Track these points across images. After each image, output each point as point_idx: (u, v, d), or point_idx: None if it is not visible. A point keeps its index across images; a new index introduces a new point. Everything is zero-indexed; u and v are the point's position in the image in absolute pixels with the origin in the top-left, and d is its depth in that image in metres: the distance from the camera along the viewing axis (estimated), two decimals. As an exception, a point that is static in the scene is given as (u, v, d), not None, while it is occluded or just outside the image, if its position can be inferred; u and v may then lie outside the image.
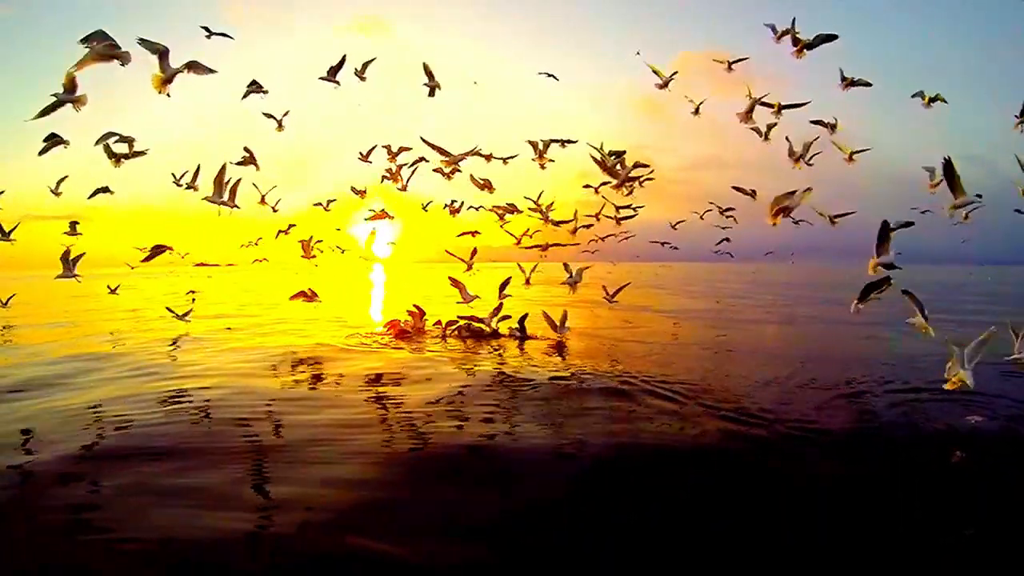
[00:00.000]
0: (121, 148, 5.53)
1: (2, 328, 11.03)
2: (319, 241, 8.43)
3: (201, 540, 2.59)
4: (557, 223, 7.63)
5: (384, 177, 7.68)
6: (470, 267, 7.91)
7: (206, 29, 5.99)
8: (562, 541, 2.63)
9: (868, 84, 5.74)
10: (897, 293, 4.25)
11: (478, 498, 3.09)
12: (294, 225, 8.57)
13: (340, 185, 8.41)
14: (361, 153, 7.72)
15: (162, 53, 4.42)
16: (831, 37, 5.17)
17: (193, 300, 15.43)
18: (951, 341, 3.89)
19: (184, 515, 2.82)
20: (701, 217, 8.96)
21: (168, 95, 4.61)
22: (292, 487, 3.15)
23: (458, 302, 8.02)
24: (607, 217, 7.69)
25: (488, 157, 7.09)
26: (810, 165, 5.93)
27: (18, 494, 3.17)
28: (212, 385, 5.55)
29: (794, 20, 5.29)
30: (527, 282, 8.60)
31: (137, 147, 5.57)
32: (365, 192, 8.08)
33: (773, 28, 5.47)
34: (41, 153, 4.98)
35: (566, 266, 7.67)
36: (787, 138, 6.00)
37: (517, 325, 8.27)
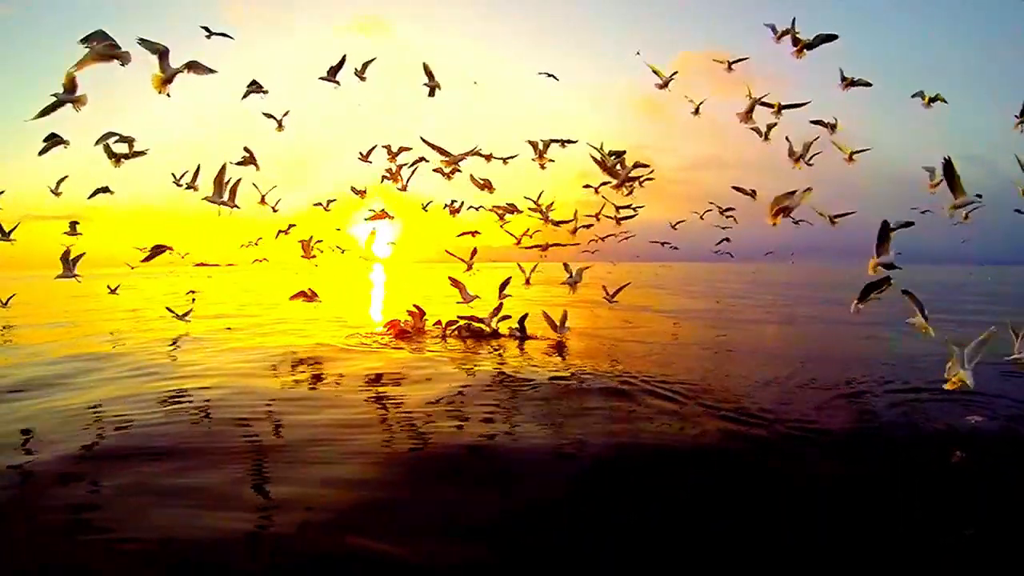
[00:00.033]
0: (121, 148, 5.54)
1: (2, 328, 11.03)
2: (319, 241, 8.43)
3: (201, 540, 2.59)
4: (557, 223, 7.63)
5: (384, 177, 7.68)
6: (470, 267, 7.92)
7: (206, 29, 5.99)
8: (562, 541, 2.63)
9: (868, 84, 5.74)
10: (897, 293, 4.25)
11: (478, 498, 3.09)
12: (294, 225, 8.58)
13: (340, 185, 8.42)
14: (361, 153, 7.72)
15: (162, 53, 4.42)
16: (831, 37, 5.17)
17: (193, 300, 15.43)
18: (951, 341, 3.89)
19: (184, 515, 2.82)
20: (701, 217, 8.97)
21: (168, 95, 4.61)
22: (292, 487, 3.15)
23: (458, 302, 8.02)
24: (607, 217, 7.69)
25: (488, 157, 7.09)
26: (810, 165, 5.93)
27: (18, 494, 3.17)
28: (212, 385, 5.55)
29: (794, 20, 5.29)
30: (527, 282, 8.60)
31: (137, 147, 5.58)
32: (365, 192, 8.08)
33: (773, 28, 5.47)
34: (41, 153, 4.99)
35: (566, 266, 7.67)
36: (787, 138, 6.00)
37: (517, 325, 8.27)
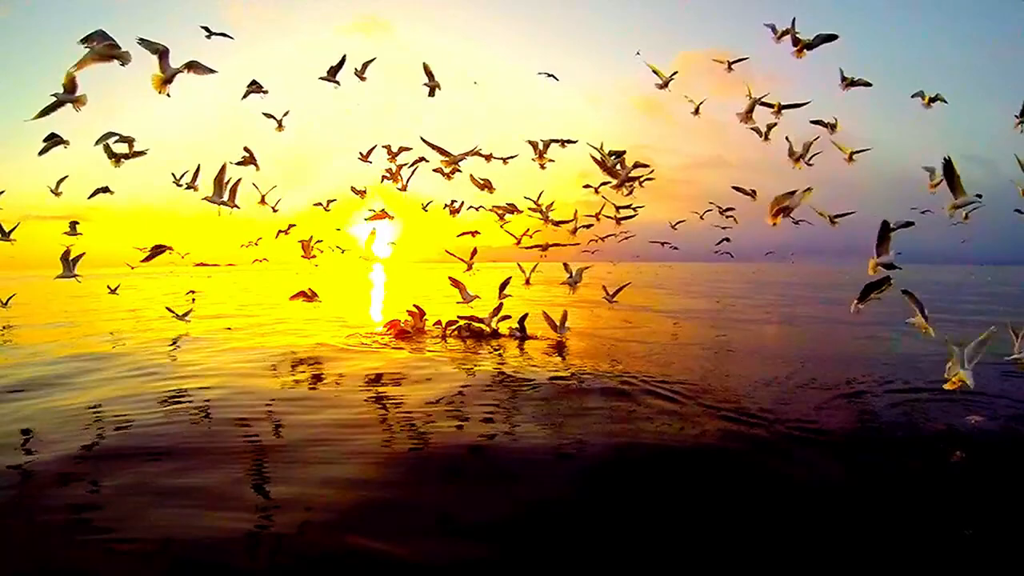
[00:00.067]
0: (121, 148, 5.54)
1: (2, 328, 11.03)
2: (319, 241, 8.44)
3: (201, 540, 2.59)
4: (557, 223, 7.63)
5: (384, 177, 7.69)
6: (470, 267, 7.92)
7: (206, 29, 6.00)
8: (562, 541, 2.63)
9: (868, 84, 5.74)
10: (897, 293, 4.25)
11: (478, 498, 3.09)
12: (294, 225, 8.58)
13: (340, 185, 8.43)
14: (361, 153, 7.73)
15: (162, 53, 4.42)
16: (831, 37, 5.17)
17: (193, 300, 15.44)
18: (950, 341, 3.89)
19: (184, 515, 2.82)
20: (701, 217, 8.96)
21: (168, 95, 4.61)
22: (292, 487, 3.15)
23: (458, 302, 8.02)
24: (607, 217, 7.69)
25: (488, 157, 7.09)
26: (810, 165, 5.94)
27: (18, 494, 3.17)
28: (212, 385, 5.55)
29: (794, 20, 5.29)
30: (527, 282, 8.60)
31: (137, 147, 5.58)
32: (365, 192, 8.09)
33: (773, 28, 5.47)
34: (41, 153, 4.99)
35: (566, 266, 7.67)
36: (787, 138, 6.01)
37: (517, 325, 8.27)
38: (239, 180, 5.42)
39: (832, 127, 6.00)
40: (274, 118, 7.07)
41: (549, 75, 7.73)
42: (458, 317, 8.51)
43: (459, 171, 7.05)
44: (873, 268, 3.96)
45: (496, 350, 7.47)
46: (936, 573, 2.40)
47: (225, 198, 5.31)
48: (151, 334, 9.69)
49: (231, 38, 6.15)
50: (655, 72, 6.28)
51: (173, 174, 6.37)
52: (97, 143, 5.44)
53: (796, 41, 5.26)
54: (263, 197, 7.19)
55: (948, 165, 3.87)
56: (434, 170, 7.15)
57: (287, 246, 8.54)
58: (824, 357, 7.03)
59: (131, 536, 2.63)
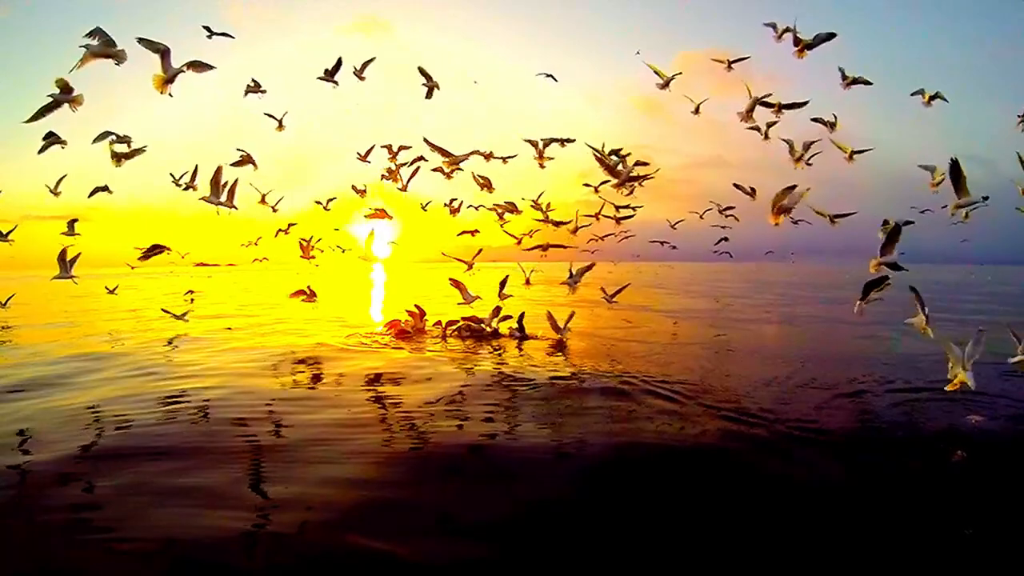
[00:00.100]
0: (121, 148, 5.54)
1: (2, 328, 11.03)
2: (318, 241, 8.43)
3: (201, 540, 2.59)
4: (557, 223, 7.63)
5: (383, 176, 7.68)
6: (470, 267, 7.91)
7: (207, 29, 5.99)
8: (562, 540, 2.63)
9: (868, 83, 5.74)
10: (898, 293, 4.25)
11: (478, 497, 3.09)
12: (294, 224, 8.58)
13: (340, 185, 8.42)
14: (359, 153, 7.72)
15: (163, 53, 4.42)
16: (831, 36, 5.17)
17: (192, 300, 15.44)
18: (949, 340, 3.89)
19: (184, 515, 2.82)
20: (701, 217, 8.95)
21: (170, 95, 4.61)
22: (292, 486, 3.15)
23: (459, 303, 8.02)
24: (607, 217, 7.69)
25: (488, 156, 7.09)
26: (809, 165, 5.93)
27: (18, 494, 3.17)
28: (212, 385, 5.55)
29: (796, 19, 5.29)
30: (527, 282, 8.59)
31: (135, 145, 5.57)
32: (365, 191, 8.08)
33: (774, 27, 5.47)
34: (40, 152, 4.99)
35: (571, 267, 7.66)
36: (787, 140, 6.01)
37: (517, 325, 8.27)
38: (236, 180, 5.42)
39: (832, 125, 6.00)
40: (274, 118, 7.07)
41: (548, 75, 7.73)
42: (461, 319, 8.52)
43: (460, 170, 7.05)
44: (876, 267, 3.97)
45: (496, 350, 7.47)
46: (936, 573, 2.40)
47: (223, 199, 5.31)
48: (151, 334, 9.68)
49: (232, 37, 6.15)
50: (655, 72, 6.27)
51: (172, 174, 6.38)
52: (94, 142, 5.44)
53: (797, 41, 5.26)
54: (263, 197, 7.19)
55: (955, 166, 3.88)
56: (434, 169, 7.16)
57: (287, 246, 8.55)
58: (824, 357, 7.03)
59: (131, 536, 2.63)
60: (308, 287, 8.27)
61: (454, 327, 8.55)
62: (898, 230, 3.87)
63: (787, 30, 5.33)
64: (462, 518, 2.84)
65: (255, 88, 6.61)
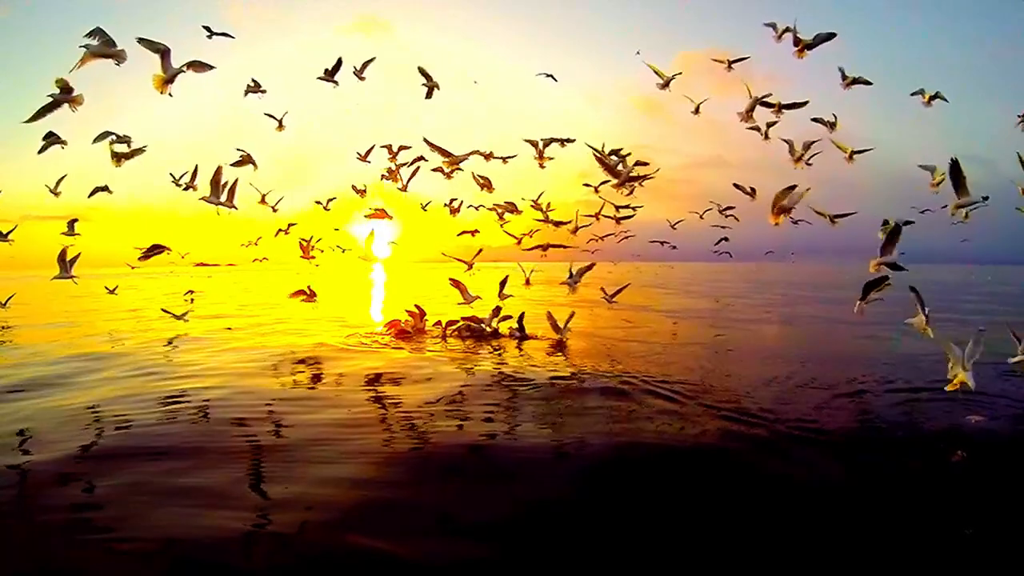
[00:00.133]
0: (121, 148, 5.54)
1: (2, 328, 11.03)
2: (318, 241, 8.43)
3: (201, 540, 2.59)
4: (557, 224, 7.63)
5: (383, 176, 7.68)
6: (470, 267, 7.91)
7: (207, 29, 5.99)
8: (562, 540, 2.63)
9: (868, 83, 5.74)
10: (898, 293, 4.25)
11: (478, 497, 3.09)
12: (294, 224, 8.58)
13: (340, 184, 8.43)
14: (358, 153, 7.72)
15: (163, 53, 4.42)
16: (831, 36, 5.17)
17: (191, 301, 15.44)
18: (949, 341, 3.89)
19: (184, 515, 2.82)
20: (701, 217, 8.96)
21: (171, 95, 4.61)
22: (292, 486, 3.15)
23: (459, 303, 8.02)
24: (607, 217, 7.69)
25: (488, 156, 7.09)
26: (809, 165, 5.94)
27: (18, 494, 3.17)
28: (212, 385, 5.55)
29: (796, 19, 5.29)
30: (527, 282, 8.59)
31: (134, 145, 5.57)
32: (365, 191, 8.09)
33: (774, 26, 5.47)
34: (40, 151, 4.99)
35: (571, 267, 7.66)
36: (786, 140, 6.01)
37: (517, 325, 8.27)
38: (236, 180, 5.42)
39: (832, 125, 6.00)
40: (275, 118, 7.07)
41: (548, 75, 7.74)
42: (461, 319, 8.52)
43: (460, 170, 7.05)
44: (875, 267, 3.97)
45: (496, 350, 7.47)
46: (936, 573, 2.40)
47: (222, 199, 5.31)
48: (151, 334, 9.68)
49: (232, 37, 6.15)
50: (655, 72, 6.27)
51: (172, 174, 6.38)
52: (94, 142, 5.44)
53: (797, 41, 5.26)
54: (263, 197, 7.20)
55: (955, 166, 3.88)
56: (434, 169, 7.16)
57: (287, 246, 8.55)
58: (824, 357, 7.03)
59: (131, 536, 2.63)
60: (308, 287, 8.27)
61: (454, 327, 8.55)
62: (898, 230, 3.88)
63: (787, 30, 5.34)
64: (462, 518, 2.84)
65: (255, 88, 6.62)
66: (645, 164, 5.99)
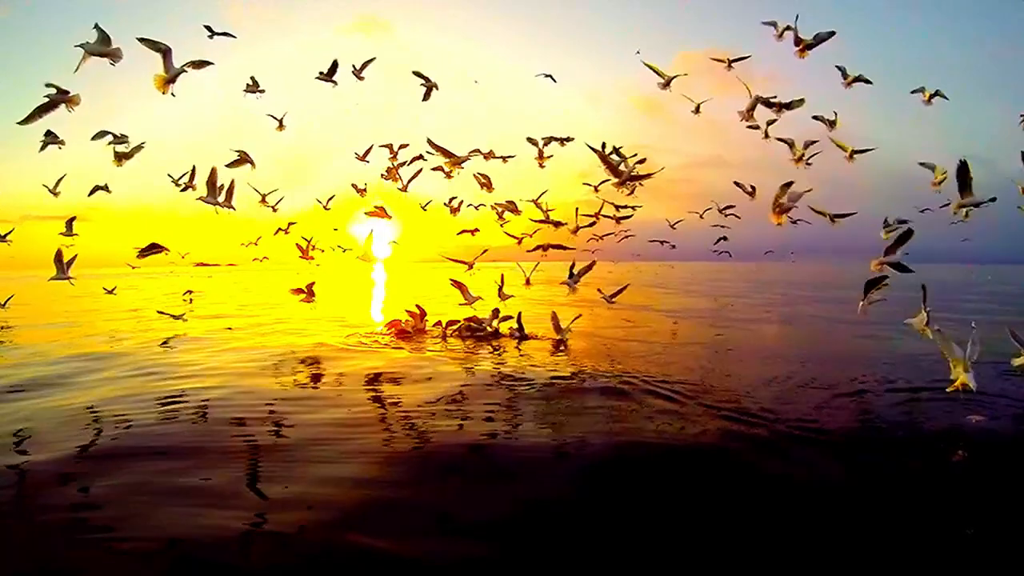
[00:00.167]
0: (122, 148, 5.54)
1: (2, 328, 11.03)
2: (317, 241, 8.44)
3: (202, 539, 2.59)
4: (557, 224, 7.63)
5: (383, 176, 7.69)
6: (470, 267, 7.91)
7: (208, 29, 5.99)
8: (562, 539, 2.63)
9: (868, 82, 5.74)
10: (899, 293, 4.25)
11: (478, 496, 3.09)
12: (294, 223, 8.58)
13: (341, 184, 8.43)
14: (357, 154, 7.73)
15: (165, 52, 4.42)
16: (831, 35, 5.17)
17: (190, 301, 15.45)
18: (950, 340, 3.88)
19: (184, 515, 2.81)
20: (701, 216, 8.96)
21: (173, 95, 4.61)
22: (292, 486, 3.15)
23: (460, 303, 8.02)
24: (606, 217, 7.69)
25: (488, 155, 7.09)
26: (809, 164, 5.94)
27: (18, 494, 3.17)
28: (212, 385, 5.55)
29: (797, 17, 5.28)
30: (527, 282, 8.60)
31: (134, 143, 5.58)
32: (365, 190, 8.09)
33: (774, 25, 5.46)
34: (41, 149, 5.00)
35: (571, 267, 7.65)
36: (787, 140, 6.00)
37: (517, 325, 8.28)
38: (233, 181, 5.43)
39: (832, 124, 6.00)
40: (275, 118, 7.08)
41: (548, 76, 7.73)
42: (462, 319, 8.52)
43: (461, 169, 7.06)
44: (877, 267, 3.97)
45: (496, 350, 7.47)
46: (936, 573, 2.40)
47: (221, 199, 5.31)
48: (151, 334, 9.68)
49: (234, 37, 6.14)
50: (655, 71, 6.26)
51: (170, 175, 6.38)
52: (93, 139, 5.45)
53: (798, 40, 5.26)
54: (263, 197, 7.20)
55: (963, 167, 3.87)
56: (434, 169, 7.17)
57: (287, 246, 8.56)
58: (824, 356, 7.03)
59: (131, 536, 2.63)
60: (308, 286, 8.28)
61: (454, 327, 8.56)
62: (909, 234, 3.87)
63: (787, 29, 5.33)
64: (462, 518, 2.84)
65: (254, 87, 6.62)
66: (642, 162, 6.00)
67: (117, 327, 10.83)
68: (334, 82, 6.59)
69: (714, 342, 8.36)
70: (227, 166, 6.00)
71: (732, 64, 6.09)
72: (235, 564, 2.43)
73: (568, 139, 6.88)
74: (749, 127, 6.13)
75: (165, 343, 8.57)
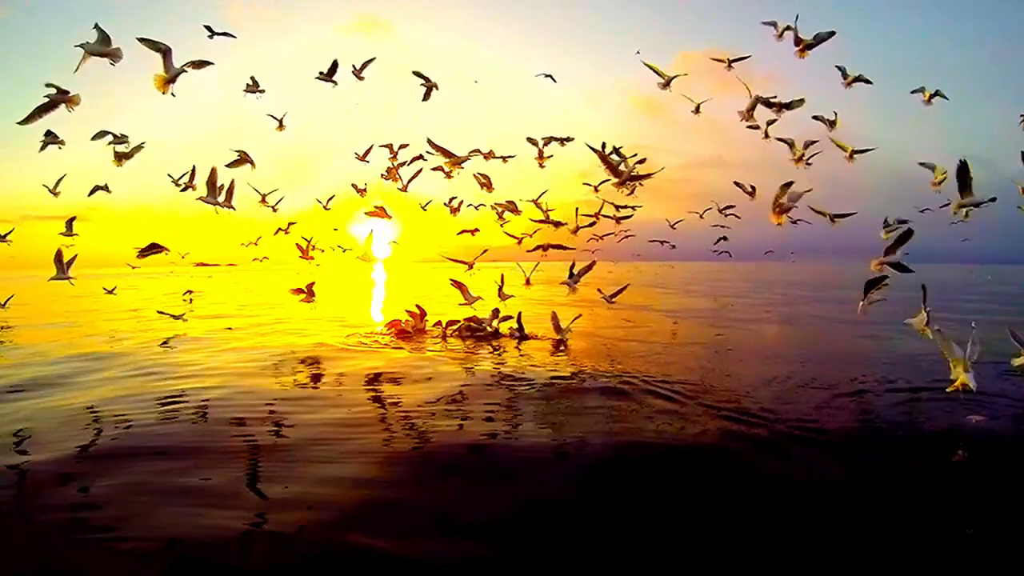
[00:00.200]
0: (122, 148, 5.54)
1: (2, 328, 11.03)
2: (317, 241, 8.43)
3: (202, 539, 2.59)
4: (557, 224, 7.63)
5: (383, 176, 7.69)
6: (470, 267, 7.92)
7: (208, 29, 5.99)
8: (562, 539, 2.63)
9: (868, 82, 5.74)
10: (899, 293, 4.25)
11: (478, 496, 3.09)
12: (294, 223, 8.58)
13: (341, 184, 8.43)
14: (357, 154, 7.73)
15: (165, 53, 4.42)
16: (831, 35, 5.18)
17: (190, 301, 15.45)
18: (950, 339, 3.88)
19: (184, 515, 2.81)
20: (701, 216, 8.96)
21: (173, 95, 4.61)
22: (292, 486, 3.15)
23: (460, 303, 8.02)
24: (606, 217, 7.69)
25: (488, 155, 7.09)
26: (809, 164, 5.94)
27: (18, 494, 3.17)
28: (212, 385, 5.55)
29: (797, 17, 5.28)
30: (527, 282, 8.60)
31: (134, 143, 5.58)
32: (365, 190, 8.09)
33: (774, 25, 5.46)
34: (41, 149, 5.00)
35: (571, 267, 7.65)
36: (785, 141, 6.01)
37: (517, 325, 8.28)
38: (232, 181, 5.43)
39: (832, 124, 6.00)
40: (275, 118, 7.09)
41: (548, 76, 7.74)
42: (462, 319, 8.52)
43: (462, 169, 7.06)
44: (877, 266, 3.97)
45: (496, 350, 7.47)
46: (936, 573, 2.40)
47: (220, 199, 5.31)
48: (151, 334, 9.68)
49: (234, 37, 6.14)
50: (654, 71, 6.26)
51: (170, 175, 6.38)
52: (93, 139, 5.45)
53: (798, 40, 5.26)
54: (264, 197, 7.20)
55: (963, 167, 3.87)
56: (434, 169, 7.17)
57: (287, 245, 8.56)
58: (824, 356, 7.03)
59: (131, 536, 2.63)
60: (308, 286, 8.27)
61: (454, 327, 8.56)
62: (910, 234, 3.87)
63: (787, 29, 5.33)
64: (462, 518, 2.84)
65: (254, 87, 6.62)
66: (642, 162, 6.01)
67: (117, 327, 10.83)
68: (334, 82, 6.59)
69: (714, 342, 8.36)
70: (227, 166, 6.00)
71: (732, 64, 6.09)
72: (235, 564, 2.43)
73: (568, 139, 6.89)
74: (749, 127, 6.13)
75: (165, 343, 8.57)
